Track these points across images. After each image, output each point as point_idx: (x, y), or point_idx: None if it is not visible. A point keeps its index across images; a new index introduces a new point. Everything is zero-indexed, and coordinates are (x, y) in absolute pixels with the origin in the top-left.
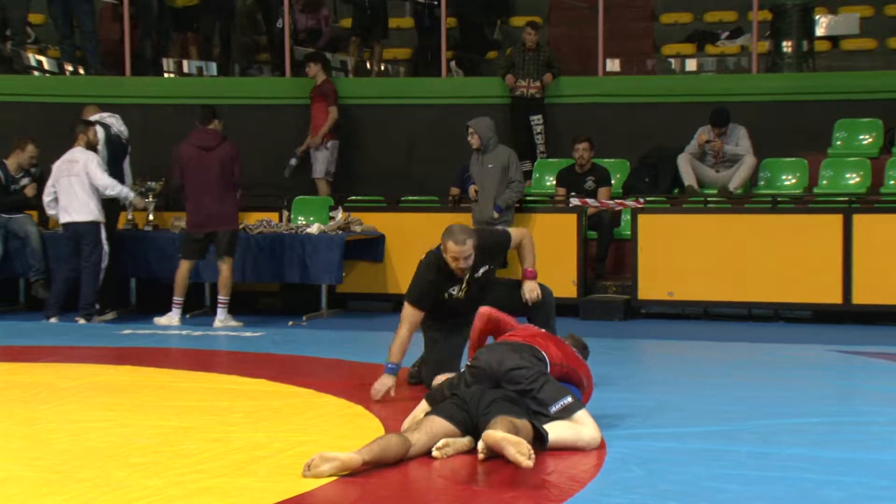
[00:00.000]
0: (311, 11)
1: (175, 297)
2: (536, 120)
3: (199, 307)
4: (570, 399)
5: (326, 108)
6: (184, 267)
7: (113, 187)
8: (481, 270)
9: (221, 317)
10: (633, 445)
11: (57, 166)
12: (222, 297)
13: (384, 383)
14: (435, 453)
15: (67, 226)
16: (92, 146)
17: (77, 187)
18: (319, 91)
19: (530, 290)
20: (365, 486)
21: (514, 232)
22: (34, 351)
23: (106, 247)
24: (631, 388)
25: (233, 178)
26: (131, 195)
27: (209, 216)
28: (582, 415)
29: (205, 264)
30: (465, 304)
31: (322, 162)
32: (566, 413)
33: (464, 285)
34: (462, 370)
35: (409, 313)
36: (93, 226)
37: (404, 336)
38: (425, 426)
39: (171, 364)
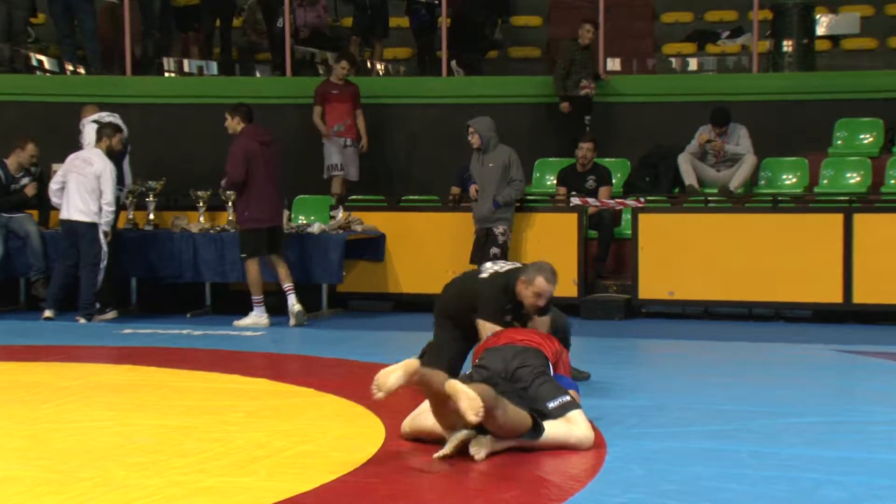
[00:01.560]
0: (310, 4)
1: (256, 297)
2: (587, 120)
3: (198, 307)
4: (567, 398)
5: (355, 108)
6: (257, 265)
7: (112, 205)
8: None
9: (296, 308)
10: (633, 445)
11: (70, 160)
12: (290, 284)
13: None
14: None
15: (65, 223)
16: (112, 152)
17: (83, 188)
18: (350, 91)
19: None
20: (365, 485)
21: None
22: (35, 350)
23: (105, 247)
24: (631, 388)
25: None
26: (112, 216)
27: (277, 210)
28: (577, 414)
29: (206, 264)
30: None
31: (326, 158)
32: (562, 410)
33: (522, 321)
34: (468, 371)
35: (488, 328)
36: (90, 227)
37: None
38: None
39: (171, 363)
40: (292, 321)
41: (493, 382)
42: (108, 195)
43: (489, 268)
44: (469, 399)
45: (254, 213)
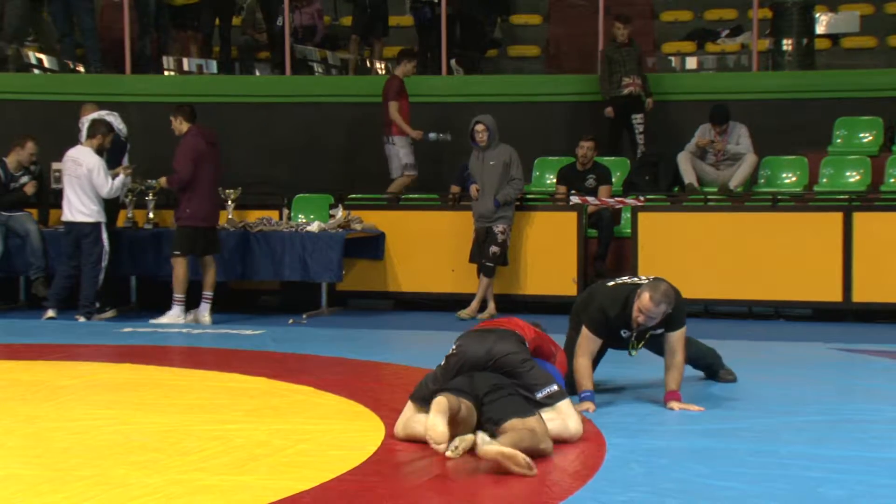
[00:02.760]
0: (304, 6)
1: (178, 295)
2: (639, 119)
3: (197, 305)
4: (555, 387)
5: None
6: (186, 264)
7: (114, 192)
8: (658, 331)
9: (205, 312)
10: (633, 443)
11: (63, 162)
12: (211, 294)
13: (589, 406)
14: (449, 453)
15: (68, 224)
16: (101, 151)
17: (78, 188)
18: (387, 86)
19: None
20: (364, 484)
21: (681, 338)
22: (34, 349)
23: (106, 246)
24: (631, 387)
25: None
26: (126, 182)
27: (216, 210)
28: (566, 405)
29: (216, 261)
30: (625, 344)
31: (395, 159)
32: (551, 400)
33: (636, 340)
34: (442, 363)
35: (589, 339)
36: (94, 226)
37: (585, 364)
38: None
39: (171, 362)
40: (191, 318)
41: (467, 368)
42: (104, 188)
43: (622, 279)
44: (510, 458)
45: (194, 212)
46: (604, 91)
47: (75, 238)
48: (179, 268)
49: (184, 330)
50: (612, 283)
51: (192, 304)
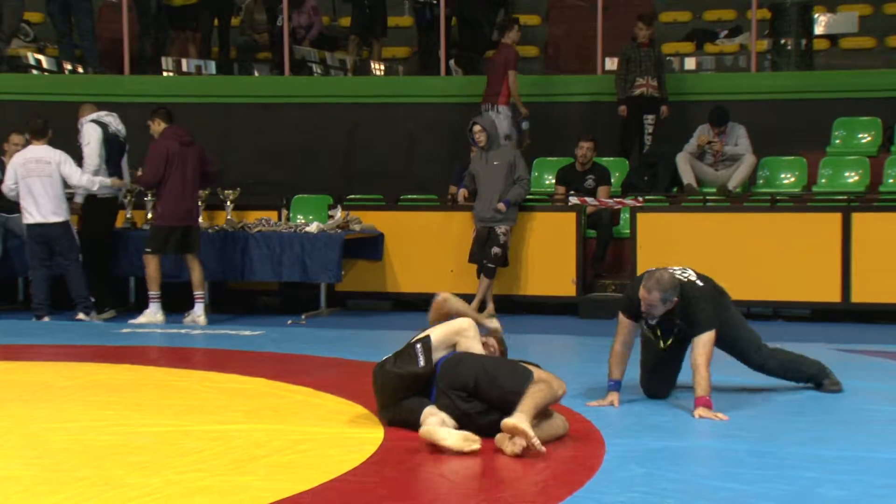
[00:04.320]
0: (297, 6)
1: (153, 293)
2: (650, 119)
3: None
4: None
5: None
6: (157, 262)
7: (90, 182)
8: (676, 328)
9: (200, 312)
10: (632, 444)
11: (22, 164)
12: (202, 293)
13: (610, 399)
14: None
15: (38, 227)
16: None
17: (49, 188)
18: (504, 56)
19: (699, 416)
20: (364, 485)
21: (709, 334)
22: (33, 349)
23: (77, 240)
24: (630, 387)
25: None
26: (107, 181)
27: (192, 210)
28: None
29: (215, 262)
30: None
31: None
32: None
33: (663, 334)
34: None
35: (621, 322)
36: (66, 225)
37: (618, 350)
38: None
39: (170, 363)
40: (188, 319)
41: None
42: (75, 176)
43: (666, 269)
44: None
45: (167, 211)
46: (619, 90)
47: (48, 240)
48: (151, 266)
49: (182, 331)
50: (650, 271)
51: (188, 306)
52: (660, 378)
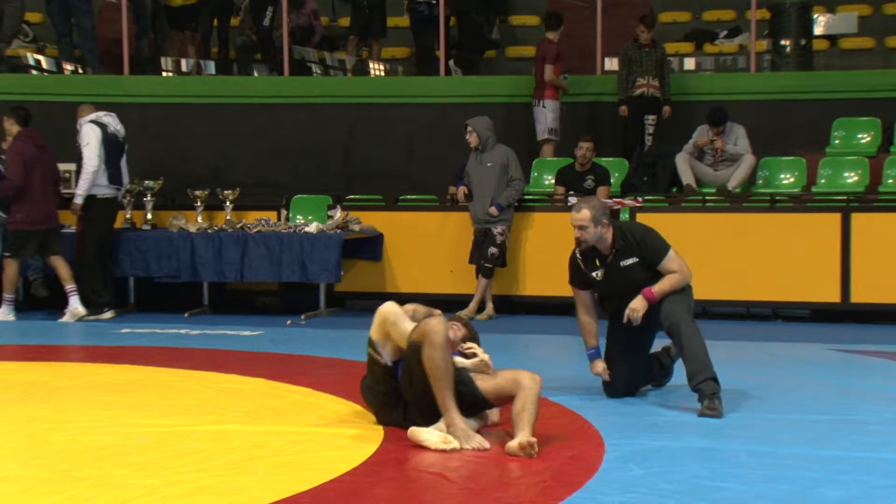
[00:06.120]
0: (297, 8)
1: (8, 295)
2: (651, 119)
3: (196, 306)
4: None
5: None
6: (17, 266)
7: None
8: (628, 261)
9: (76, 304)
10: (631, 444)
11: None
12: (73, 286)
13: (598, 366)
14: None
15: None
16: None
17: None
18: (542, 51)
19: (632, 309)
20: (363, 485)
21: (674, 257)
22: (32, 350)
23: None
24: None
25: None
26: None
27: (51, 213)
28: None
29: (204, 263)
30: (608, 286)
31: (542, 122)
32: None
33: (599, 269)
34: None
35: (575, 294)
36: None
37: (585, 321)
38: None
39: (169, 363)
40: (66, 318)
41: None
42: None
43: None
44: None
45: (27, 216)
46: (620, 90)
47: None
48: (9, 269)
49: (182, 331)
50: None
51: (191, 305)
52: (624, 366)
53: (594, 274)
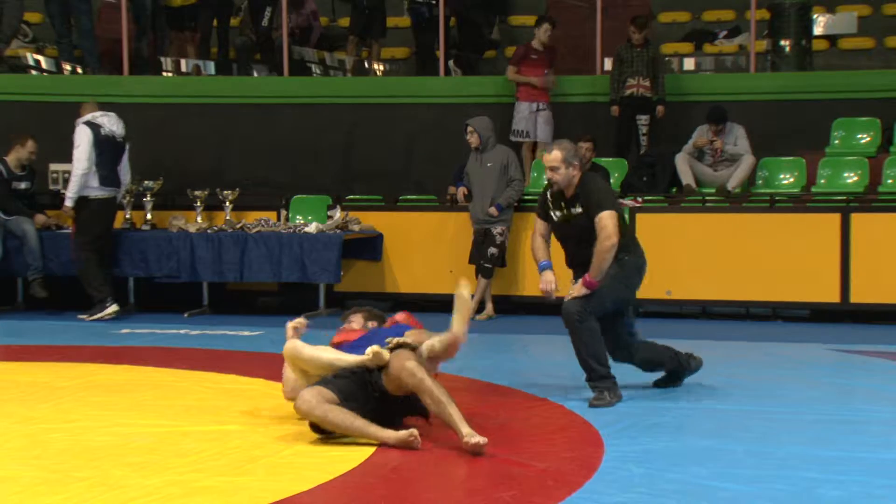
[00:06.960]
0: (296, 8)
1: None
2: (644, 119)
3: (196, 307)
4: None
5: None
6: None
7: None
8: (578, 210)
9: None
10: (631, 445)
11: None
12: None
13: (549, 278)
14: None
15: None
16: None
17: None
18: (550, 56)
19: (572, 296)
20: (362, 485)
21: (606, 217)
22: (32, 350)
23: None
24: (628, 388)
25: None
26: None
27: None
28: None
29: (203, 264)
30: (562, 230)
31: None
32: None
33: (559, 210)
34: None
35: (536, 223)
36: None
37: (537, 242)
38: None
39: (169, 363)
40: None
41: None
42: None
43: None
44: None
45: None
46: (611, 90)
47: None
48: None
49: (181, 331)
50: None
51: (192, 305)
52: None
53: (553, 213)
